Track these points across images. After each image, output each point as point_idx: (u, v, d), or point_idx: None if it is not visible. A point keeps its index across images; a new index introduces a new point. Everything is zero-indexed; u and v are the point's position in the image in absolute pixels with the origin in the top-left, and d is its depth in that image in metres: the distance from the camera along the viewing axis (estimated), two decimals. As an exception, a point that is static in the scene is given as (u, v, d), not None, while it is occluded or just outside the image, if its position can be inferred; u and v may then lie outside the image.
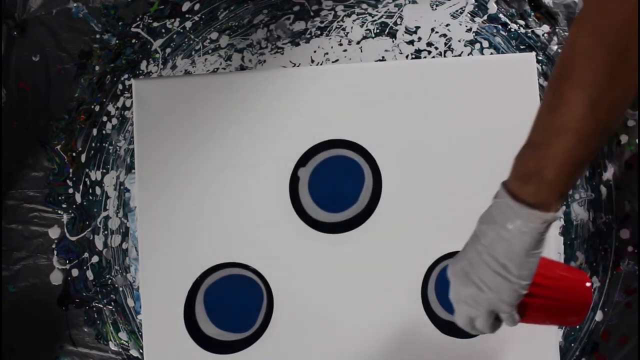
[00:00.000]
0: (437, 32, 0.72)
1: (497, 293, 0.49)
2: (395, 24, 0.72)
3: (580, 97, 0.44)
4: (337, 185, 0.68)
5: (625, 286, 0.68)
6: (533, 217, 0.47)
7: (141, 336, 0.70)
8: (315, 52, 0.72)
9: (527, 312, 0.52)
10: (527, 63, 0.69)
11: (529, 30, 0.71)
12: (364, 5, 0.72)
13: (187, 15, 0.73)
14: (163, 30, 0.73)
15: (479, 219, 0.51)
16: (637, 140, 0.69)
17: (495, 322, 0.52)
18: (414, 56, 0.72)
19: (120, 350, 0.71)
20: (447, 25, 0.72)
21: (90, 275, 0.71)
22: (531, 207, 0.47)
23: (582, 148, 0.46)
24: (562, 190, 0.47)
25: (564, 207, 0.48)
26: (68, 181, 0.72)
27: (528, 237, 0.47)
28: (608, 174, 0.69)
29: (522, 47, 0.71)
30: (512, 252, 0.48)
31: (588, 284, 0.55)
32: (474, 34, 0.72)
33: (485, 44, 0.71)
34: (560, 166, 0.46)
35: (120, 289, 0.71)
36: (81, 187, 0.72)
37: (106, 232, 0.72)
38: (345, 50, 0.72)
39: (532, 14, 0.72)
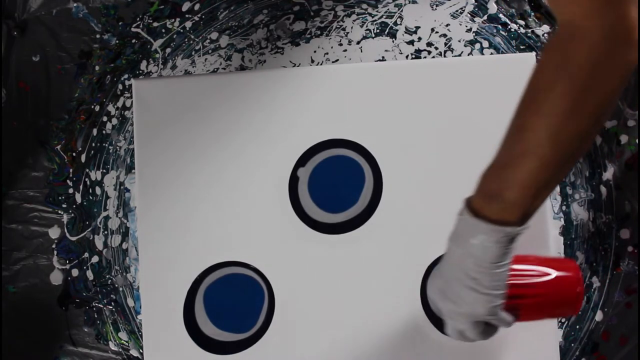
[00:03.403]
0: (437, 32, 0.72)
1: (472, 305, 0.50)
2: (395, 24, 0.72)
3: (541, 125, 0.45)
4: (337, 185, 0.68)
5: (625, 286, 0.68)
6: (495, 232, 0.47)
7: (141, 336, 0.70)
8: (315, 52, 0.72)
9: (520, 313, 0.53)
10: (527, 63, 0.69)
11: (529, 30, 0.71)
12: (364, 5, 0.72)
13: (187, 15, 0.73)
14: (163, 30, 0.73)
15: (448, 237, 0.52)
16: (637, 140, 0.69)
17: (488, 327, 0.52)
18: (414, 56, 0.72)
19: (120, 350, 0.71)
20: (447, 25, 0.72)
21: (90, 275, 0.71)
22: (492, 223, 0.47)
23: (544, 173, 0.46)
24: (525, 211, 0.47)
25: (529, 222, 0.48)
26: (68, 181, 0.72)
27: (493, 251, 0.48)
28: (608, 174, 0.69)
29: (522, 47, 0.71)
30: (480, 266, 0.49)
31: (573, 274, 0.55)
32: (474, 34, 0.72)
33: (485, 44, 0.71)
34: (523, 189, 0.46)
35: (120, 289, 0.71)
36: (81, 187, 0.72)
37: (106, 232, 0.72)
38: (345, 50, 0.72)
39: (532, 14, 0.72)
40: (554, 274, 0.55)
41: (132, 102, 0.71)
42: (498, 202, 0.47)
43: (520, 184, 0.46)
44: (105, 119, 0.73)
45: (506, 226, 0.47)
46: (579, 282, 0.55)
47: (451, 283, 0.51)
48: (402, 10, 0.72)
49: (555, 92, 0.44)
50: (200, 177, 0.69)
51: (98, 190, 0.72)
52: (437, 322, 0.67)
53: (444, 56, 0.71)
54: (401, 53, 0.72)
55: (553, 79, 0.44)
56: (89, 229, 0.72)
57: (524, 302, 0.53)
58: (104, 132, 0.72)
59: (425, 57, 0.72)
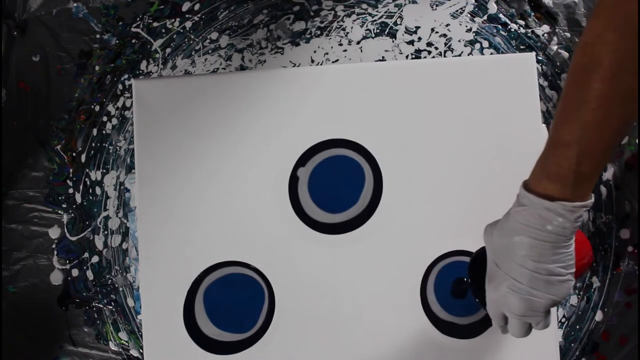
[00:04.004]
0: (437, 32, 0.72)
1: (558, 291, 0.50)
2: (395, 24, 0.72)
3: (611, 90, 0.45)
4: (337, 185, 0.68)
5: (625, 286, 0.68)
6: (574, 212, 0.48)
7: (141, 336, 0.70)
8: (315, 52, 0.72)
9: None
10: (527, 63, 0.69)
11: (529, 30, 0.71)
12: (364, 5, 0.72)
13: (187, 15, 0.73)
14: (163, 30, 0.73)
15: (499, 235, 0.52)
16: (637, 140, 0.69)
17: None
18: (414, 56, 0.72)
19: (120, 350, 0.71)
20: (447, 25, 0.72)
21: (90, 275, 0.71)
22: (571, 202, 0.47)
23: (614, 138, 0.47)
24: (596, 180, 0.49)
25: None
26: (68, 181, 0.72)
27: (571, 230, 0.48)
28: (608, 174, 0.69)
29: (522, 47, 0.71)
30: (558, 249, 0.49)
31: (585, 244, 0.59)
32: (474, 34, 0.72)
33: (485, 44, 0.71)
34: (597, 160, 0.47)
35: (120, 289, 0.71)
36: (81, 187, 0.72)
37: (106, 232, 0.72)
38: (345, 50, 0.72)
39: (532, 14, 0.72)
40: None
41: (132, 102, 0.71)
42: (573, 181, 0.47)
43: (594, 156, 0.46)
44: (105, 119, 0.73)
45: (584, 201, 0.48)
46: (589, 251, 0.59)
47: (525, 280, 0.50)
48: (402, 10, 0.72)
49: (620, 53, 0.44)
50: (200, 177, 0.69)
51: (98, 190, 0.72)
52: (437, 322, 0.67)
53: (444, 56, 0.71)
54: (401, 53, 0.72)
55: (616, 40, 0.44)
56: (89, 229, 0.72)
57: None
58: (104, 132, 0.72)
59: (425, 57, 0.71)
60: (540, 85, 0.70)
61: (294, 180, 0.69)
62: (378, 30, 0.72)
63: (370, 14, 0.72)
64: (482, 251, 0.60)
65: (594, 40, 0.46)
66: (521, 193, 0.51)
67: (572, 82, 0.48)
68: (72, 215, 0.72)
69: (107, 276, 0.71)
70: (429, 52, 0.72)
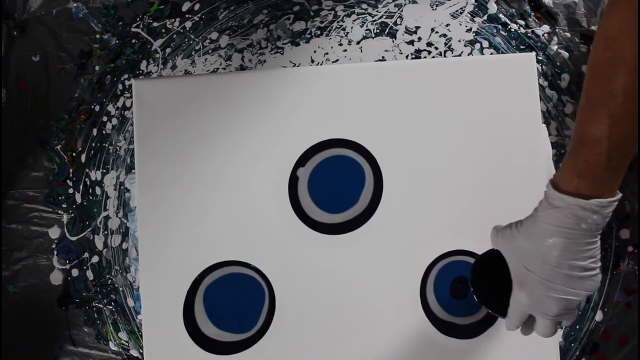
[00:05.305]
0: (437, 32, 0.72)
1: (587, 291, 0.51)
2: (395, 24, 0.72)
3: (636, 83, 0.45)
4: (337, 185, 0.68)
5: (625, 286, 0.68)
6: (608, 207, 0.48)
7: (141, 336, 0.70)
8: (315, 52, 0.72)
9: None
10: (527, 63, 0.69)
11: (529, 30, 0.71)
12: (364, 5, 0.72)
13: (187, 15, 0.73)
14: (163, 30, 0.73)
15: (526, 239, 0.52)
16: (637, 140, 0.69)
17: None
18: (414, 56, 0.72)
19: (120, 350, 0.71)
20: (447, 25, 0.72)
21: (90, 275, 0.71)
22: (603, 197, 0.48)
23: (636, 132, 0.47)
24: (624, 173, 0.49)
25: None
26: (68, 181, 0.72)
27: (601, 226, 0.49)
28: (608, 174, 0.69)
29: (522, 47, 0.71)
30: (589, 248, 0.49)
31: None
32: (474, 34, 0.72)
33: (485, 44, 0.71)
34: (626, 154, 0.47)
35: (120, 289, 0.71)
36: (81, 187, 0.72)
37: (106, 232, 0.72)
38: (345, 50, 0.72)
39: (532, 14, 0.72)
40: None
41: (132, 102, 0.71)
42: (604, 176, 0.47)
43: (623, 149, 0.47)
44: (105, 119, 0.73)
45: (615, 196, 0.48)
46: None
47: (564, 279, 0.50)
48: (402, 10, 0.72)
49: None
50: (200, 177, 0.69)
51: (98, 190, 0.72)
52: (437, 322, 0.67)
53: (444, 56, 0.71)
54: (401, 53, 0.72)
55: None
56: (89, 229, 0.72)
57: None
58: (104, 132, 0.72)
59: (425, 57, 0.71)
60: (540, 85, 0.70)
61: (294, 180, 0.69)
62: (378, 30, 0.72)
63: (370, 14, 0.72)
64: (485, 258, 0.59)
65: (616, 34, 0.46)
66: (552, 194, 0.50)
67: (596, 76, 0.48)
68: (72, 215, 0.72)
69: (107, 276, 0.71)
70: (429, 52, 0.72)
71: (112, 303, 0.71)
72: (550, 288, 0.51)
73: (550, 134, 0.70)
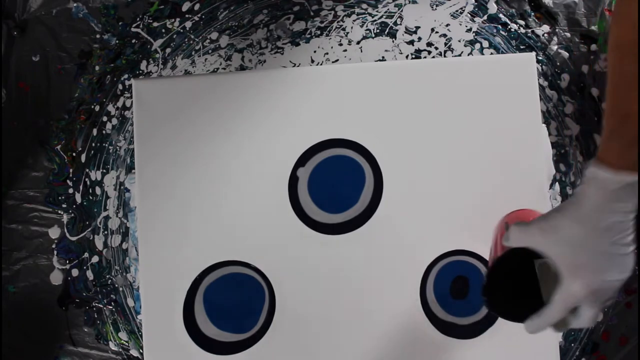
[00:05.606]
0: (437, 32, 0.72)
1: (628, 272, 0.49)
2: (395, 24, 0.72)
3: None
4: (336, 185, 0.68)
5: (625, 286, 0.68)
6: None
7: (141, 336, 0.70)
8: (315, 52, 0.72)
9: None
10: (527, 63, 0.69)
11: (529, 30, 0.71)
12: (364, 5, 0.72)
13: (187, 15, 0.73)
14: (163, 30, 0.73)
15: (573, 227, 0.50)
16: (637, 140, 0.69)
17: None
18: (414, 56, 0.72)
19: (120, 350, 0.71)
20: (447, 25, 0.72)
21: (90, 275, 0.71)
22: None
23: None
24: None
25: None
26: (68, 181, 0.72)
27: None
28: (608, 174, 0.69)
29: (522, 47, 0.71)
30: (627, 227, 0.48)
31: None
32: (474, 34, 0.72)
33: (485, 44, 0.71)
34: None
35: (120, 289, 0.71)
36: (81, 187, 0.72)
37: (106, 232, 0.72)
38: (345, 50, 0.72)
39: (532, 14, 0.72)
40: None
41: (132, 102, 0.71)
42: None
43: None
44: (105, 119, 0.73)
45: None
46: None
47: (618, 262, 0.49)
48: (402, 10, 0.72)
49: None
50: (200, 177, 0.69)
51: (98, 190, 0.72)
52: (437, 322, 0.67)
53: (444, 56, 0.71)
54: (401, 53, 0.72)
55: None
56: (89, 229, 0.72)
57: None
58: (104, 132, 0.72)
59: (425, 57, 0.71)
60: (540, 85, 0.70)
61: (293, 180, 0.69)
62: (378, 30, 0.72)
63: (370, 14, 0.72)
64: (499, 263, 0.57)
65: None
66: (602, 175, 0.48)
67: (629, 54, 0.47)
68: (72, 215, 0.72)
69: (107, 276, 0.71)
70: (429, 52, 0.72)
71: (112, 303, 0.71)
72: (608, 271, 0.49)
73: (550, 134, 0.70)
